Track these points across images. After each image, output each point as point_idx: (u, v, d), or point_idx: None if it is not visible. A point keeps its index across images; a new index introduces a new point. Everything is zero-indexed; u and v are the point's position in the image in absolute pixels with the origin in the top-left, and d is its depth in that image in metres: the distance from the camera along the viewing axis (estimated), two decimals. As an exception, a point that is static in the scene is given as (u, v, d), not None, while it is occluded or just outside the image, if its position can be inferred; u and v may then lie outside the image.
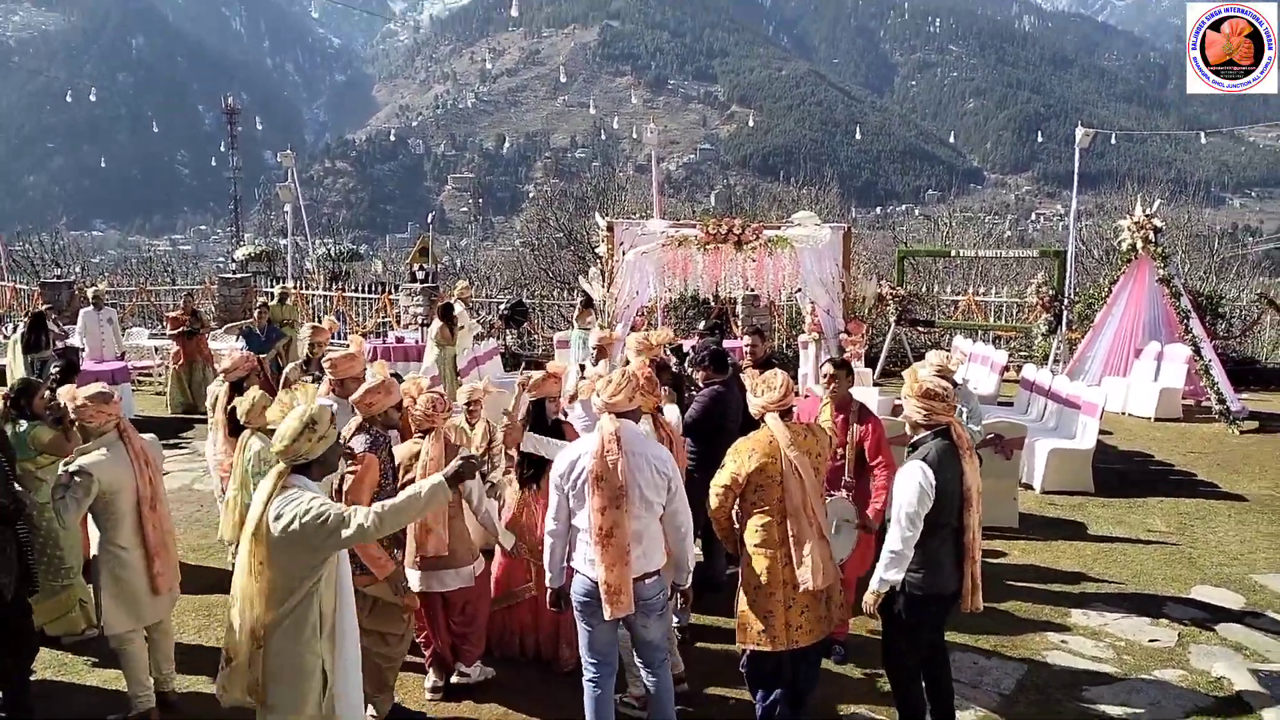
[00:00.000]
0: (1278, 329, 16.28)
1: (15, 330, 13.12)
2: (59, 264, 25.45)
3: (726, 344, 10.90)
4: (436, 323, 11.83)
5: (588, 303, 12.11)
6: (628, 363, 6.18)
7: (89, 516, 5.00)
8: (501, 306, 16.09)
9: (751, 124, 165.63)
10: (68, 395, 5.10)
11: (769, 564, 4.46)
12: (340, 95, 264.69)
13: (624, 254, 10.69)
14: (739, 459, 4.51)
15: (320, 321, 10.08)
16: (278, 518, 3.54)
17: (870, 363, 13.47)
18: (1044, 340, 15.12)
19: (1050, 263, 16.67)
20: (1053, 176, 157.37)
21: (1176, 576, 7.11)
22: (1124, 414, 13.04)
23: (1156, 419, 12.75)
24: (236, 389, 6.50)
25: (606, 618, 4.21)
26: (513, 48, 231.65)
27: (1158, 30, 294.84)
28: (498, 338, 16.15)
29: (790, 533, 4.39)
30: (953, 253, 21.70)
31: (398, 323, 17.90)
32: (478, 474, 5.14)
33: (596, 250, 12.07)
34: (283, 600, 3.63)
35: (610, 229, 11.11)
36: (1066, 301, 14.74)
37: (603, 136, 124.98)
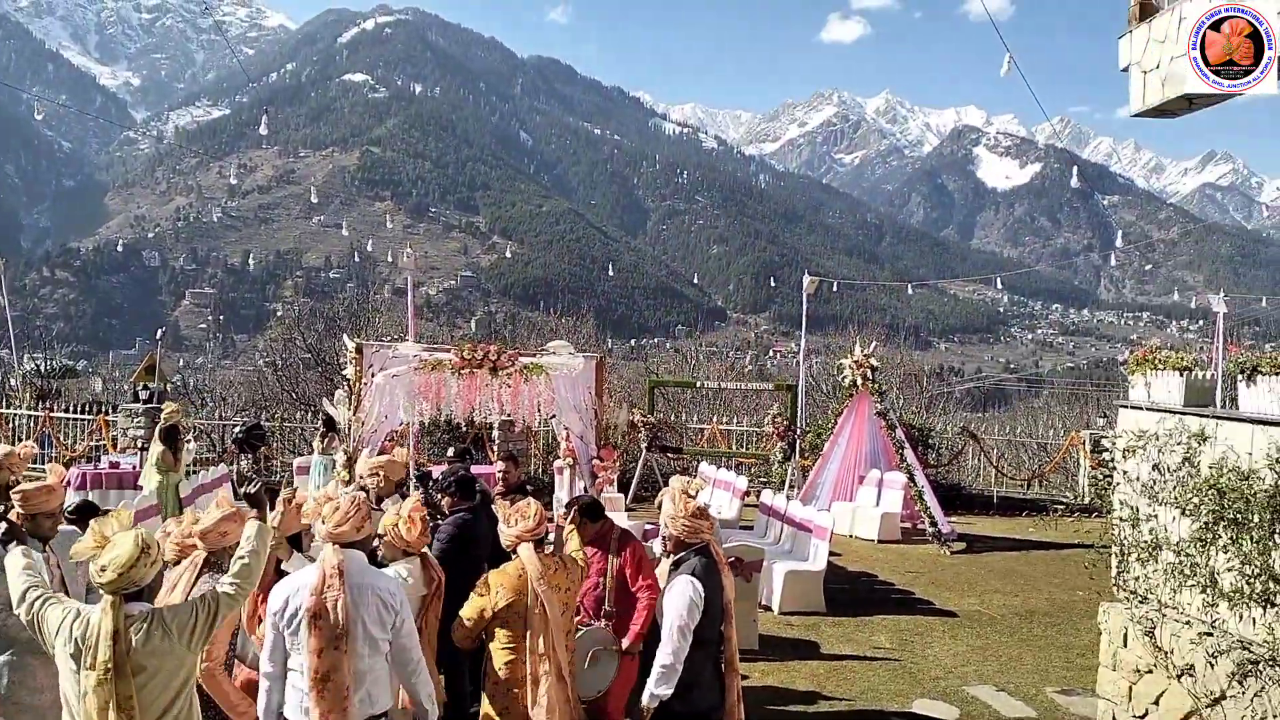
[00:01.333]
0: (979, 459, 18.21)
1: None
2: None
3: (480, 470, 10.72)
4: (158, 446, 10.84)
5: (330, 426, 11.58)
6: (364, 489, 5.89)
7: None
8: (236, 429, 15.03)
9: (511, 255, 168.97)
10: None
11: (511, 702, 4.32)
12: (67, 201, 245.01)
13: (373, 377, 10.38)
14: (488, 593, 4.40)
15: (14, 445, 8.89)
16: (146, 638, 3.38)
17: (623, 488, 13.70)
18: (780, 467, 16.06)
19: (784, 395, 17.90)
20: (787, 318, 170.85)
21: (900, 691, 7.55)
22: (851, 536, 13.95)
23: (879, 541, 13.74)
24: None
25: None
26: (265, 165, 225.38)
27: (873, 194, 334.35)
28: (230, 463, 15.02)
29: (528, 670, 4.28)
30: (698, 384, 22.82)
31: (114, 446, 16.23)
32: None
33: (344, 373, 11.66)
34: (164, 713, 3.45)
35: (359, 351, 10.78)
36: (799, 431, 15.81)
37: (358, 259, 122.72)
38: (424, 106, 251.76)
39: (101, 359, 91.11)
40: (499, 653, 4.36)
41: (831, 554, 10.61)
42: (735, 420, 19.74)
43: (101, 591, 3.40)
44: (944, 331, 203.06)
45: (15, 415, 17.90)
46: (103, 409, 17.75)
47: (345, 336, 12.79)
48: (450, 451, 10.02)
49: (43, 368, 21.43)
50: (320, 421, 12.63)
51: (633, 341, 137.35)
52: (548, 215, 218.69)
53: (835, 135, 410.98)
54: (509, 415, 11.04)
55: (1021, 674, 8.06)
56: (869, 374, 14.76)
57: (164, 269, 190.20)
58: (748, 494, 14.32)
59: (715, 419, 19.54)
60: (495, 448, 15.90)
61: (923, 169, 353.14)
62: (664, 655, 4.32)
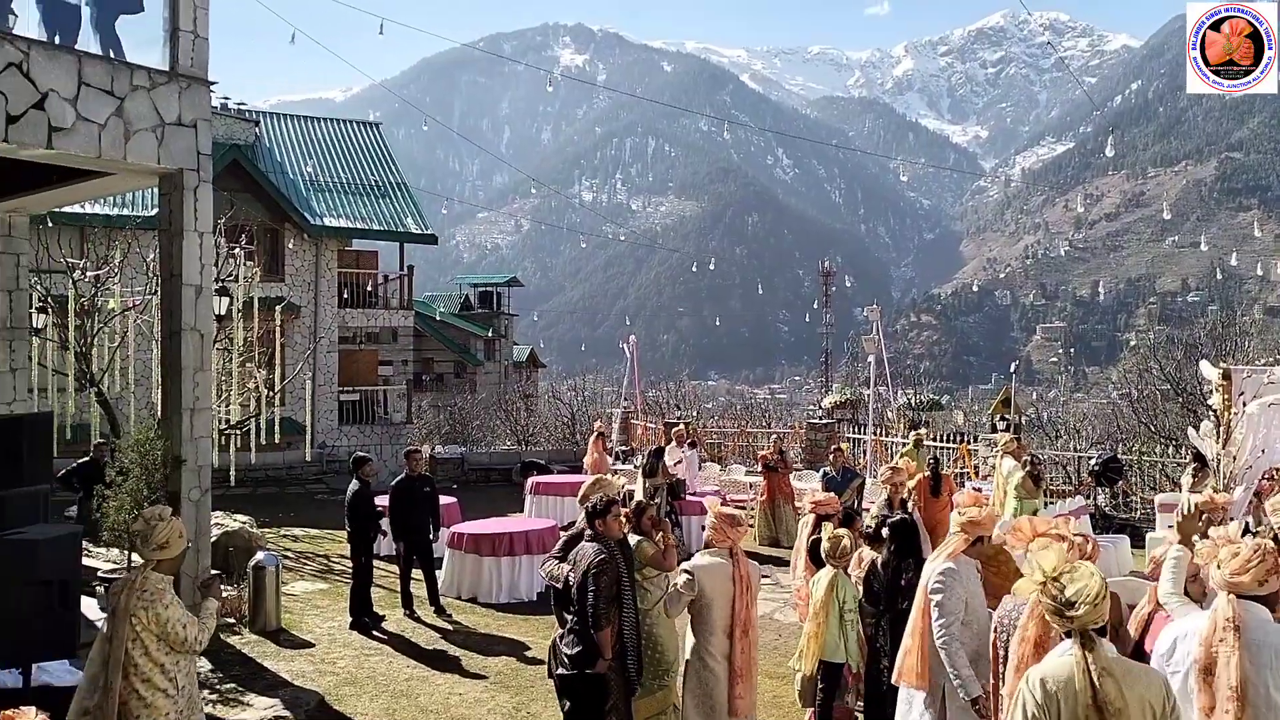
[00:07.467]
0: None
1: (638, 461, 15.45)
2: (679, 407, 29.54)
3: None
4: (1019, 473, 11.26)
5: (1200, 460, 10.59)
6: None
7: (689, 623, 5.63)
8: (1092, 462, 14.78)
9: None
10: (710, 508, 5.80)
11: None
12: (927, 252, 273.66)
13: (1244, 405, 9.21)
14: None
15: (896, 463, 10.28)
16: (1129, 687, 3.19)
17: None
18: None
19: None
20: None
21: None
22: None
23: None
24: (823, 521, 6.86)
25: None
26: (1113, 191, 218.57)
27: None
28: (1087, 495, 14.82)
29: None
30: None
31: (975, 474, 17.40)
32: None
33: (1208, 402, 10.59)
34: None
35: (1226, 377, 9.69)
36: None
37: (1220, 277, 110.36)
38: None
39: (961, 393, 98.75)
40: None
41: None
42: None
43: (1062, 630, 3.29)
44: None
45: (892, 442, 20.46)
46: (964, 438, 19.19)
47: (1204, 363, 11.62)
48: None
49: (912, 401, 24.21)
50: (1190, 456, 11.69)
51: None
52: None
53: None
54: None
55: None
56: None
57: (1014, 306, 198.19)
58: None
59: None
60: None
61: None
62: None
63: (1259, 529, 6.16)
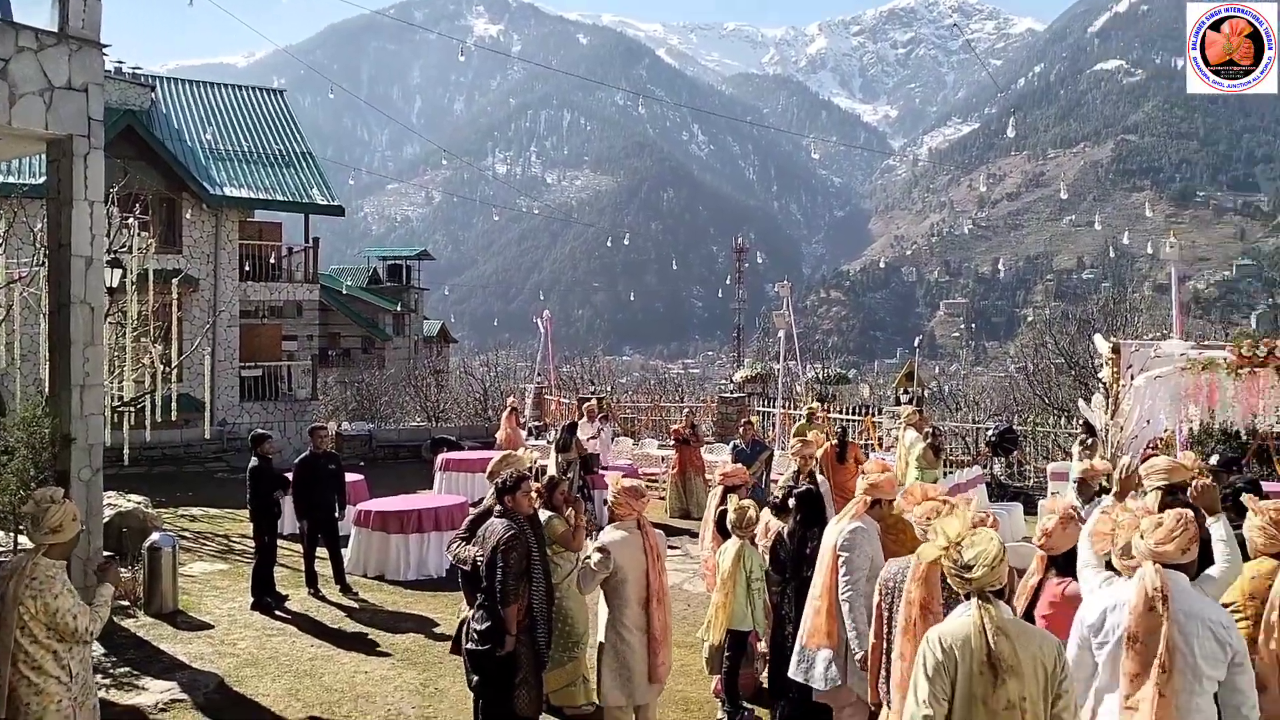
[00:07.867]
0: None
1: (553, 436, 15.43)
2: (593, 382, 29.53)
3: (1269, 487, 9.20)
4: (920, 444, 11.59)
5: (1090, 431, 11.08)
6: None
7: (601, 596, 5.66)
8: (989, 433, 15.33)
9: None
10: (612, 482, 5.81)
11: None
12: (837, 229, 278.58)
13: (1132, 379, 9.65)
14: None
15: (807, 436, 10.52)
16: (1023, 647, 3.40)
17: None
18: None
19: None
20: None
21: None
22: None
23: None
24: (730, 494, 6.97)
25: None
26: (1015, 171, 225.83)
27: None
28: (985, 465, 15.37)
29: None
30: None
31: (880, 445, 17.88)
32: None
33: (1099, 375, 11.08)
34: None
35: (1116, 351, 10.13)
36: None
37: (1113, 256, 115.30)
38: (1186, 82, 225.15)
39: (867, 367, 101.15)
40: None
41: None
42: None
43: (962, 591, 3.45)
44: None
45: (798, 416, 20.87)
46: (869, 411, 19.67)
47: (1098, 337, 12.13)
48: (1214, 460, 8.82)
49: (821, 375, 24.70)
50: (1081, 426, 12.21)
51: None
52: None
53: None
54: (1305, 423, 9.30)
55: None
56: None
57: (920, 283, 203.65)
58: None
59: None
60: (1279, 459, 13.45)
61: None
62: None
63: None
